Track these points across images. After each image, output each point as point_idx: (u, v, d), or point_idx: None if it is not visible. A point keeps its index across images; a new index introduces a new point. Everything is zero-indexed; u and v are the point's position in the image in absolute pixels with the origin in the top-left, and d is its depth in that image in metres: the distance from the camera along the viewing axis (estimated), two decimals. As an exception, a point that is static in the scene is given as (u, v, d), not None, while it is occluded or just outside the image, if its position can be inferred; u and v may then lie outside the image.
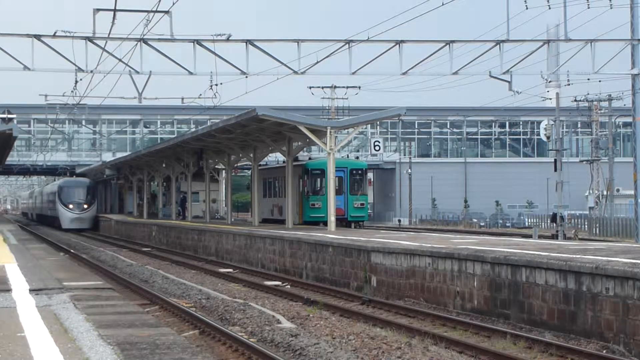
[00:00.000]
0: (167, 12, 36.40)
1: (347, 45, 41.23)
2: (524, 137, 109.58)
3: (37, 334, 13.80)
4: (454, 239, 31.46)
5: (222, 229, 46.04)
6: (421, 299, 24.78)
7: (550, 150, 71.58)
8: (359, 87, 79.59)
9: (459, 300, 23.10)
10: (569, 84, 57.28)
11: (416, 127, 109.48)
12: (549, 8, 48.06)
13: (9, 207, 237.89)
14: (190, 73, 40.67)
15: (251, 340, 18.18)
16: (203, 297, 25.80)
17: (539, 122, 71.11)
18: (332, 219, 38.81)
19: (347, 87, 79.92)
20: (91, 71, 40.54)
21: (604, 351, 17.29)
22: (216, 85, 44.27)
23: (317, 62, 41.28)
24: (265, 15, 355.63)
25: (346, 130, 42.21)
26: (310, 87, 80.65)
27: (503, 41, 41.99)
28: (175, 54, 40.47)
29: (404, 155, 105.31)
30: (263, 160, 53.73)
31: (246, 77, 41.23)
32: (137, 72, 40.93)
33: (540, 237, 47.75)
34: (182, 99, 54.67)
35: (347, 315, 23.19)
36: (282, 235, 36.48)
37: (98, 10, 37.03)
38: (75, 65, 39.85)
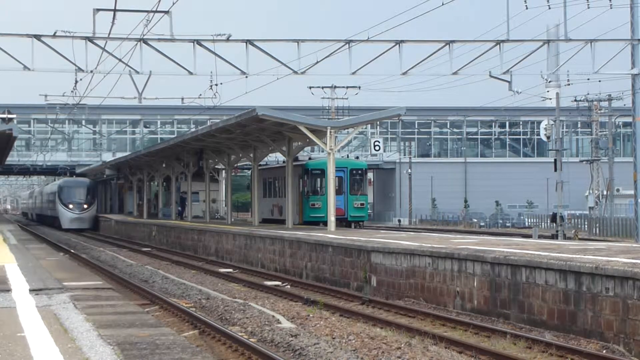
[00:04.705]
0: (167, 12, 36.40)
1: (347, 45, 41.23)
2: (524, 137, 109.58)
3: (37, 334, 13.80)
4: (454, 239, 31.45)
5: (222, 229, 46.03)
6: (421, 299, 24.78)
7: (550, 150, 71.55)
8: (359, 87, 79.62)
9: (459, 300, 23.10)
10: (569, 84, 57.36)
11: (416, 127, 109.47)
12: (549, 8, 48.09)
13: (8, 207, 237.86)
14: (190, 73, 40.67)
15: (251, 340, 18.18)
16: (203, 297, 25.80)
17: (539, 122, 71.06)
18: (332, 219, 38.81)
19: (347, 87, 79.95)
20: (91, 71, 40.55)
21: (604, 351, 17.29)
22: (216, 85, 44.37)
23: (317, 62, 41.32)
24: (265, 15, 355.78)
25: (346, 130, 42.20)
26: (310, 87, 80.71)
27: (503, 41, 41.99)
28: (175, 54, 40.52)
29: (404, 155, 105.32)
30: (263, 160, 53.72)
31: (246, 77, 41.24)
32: (137, 72, 40.94)
33: (540, 237, 47.75)
34: (182, 99, 54.67)
35: (347, 315, 23.19)
36: (282, 235, 36.48)
37: (98, 10, 37.03)
38: (75, 65, 39.86)
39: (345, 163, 48.01)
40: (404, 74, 42.44)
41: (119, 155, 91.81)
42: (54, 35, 38.68)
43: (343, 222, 45.59)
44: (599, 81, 64.51)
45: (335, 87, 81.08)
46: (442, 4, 37.32)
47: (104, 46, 39.29)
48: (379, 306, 25.01)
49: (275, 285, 31.07)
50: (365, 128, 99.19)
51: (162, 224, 59.75)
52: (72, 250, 48.99)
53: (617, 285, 17.71)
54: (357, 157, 59.05)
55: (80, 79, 43.16)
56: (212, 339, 19.07)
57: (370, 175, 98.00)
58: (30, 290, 19.64)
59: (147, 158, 67.03)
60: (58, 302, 17.72)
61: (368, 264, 28.17)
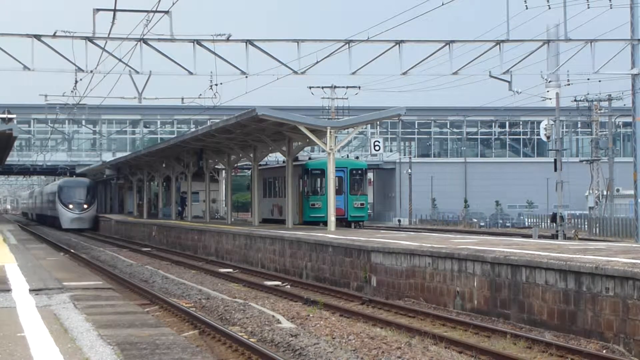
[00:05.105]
0: (167, 12, 36.38)
1: (347, 45, 41.21)
2: (524, 137, 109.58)
3: (37, 334, 13.80)
4: (454, 239, 31.46)
5: (222, 229, 46.04)
6: (421, 299, 24.78)
7: (550, 150, 71.55)
8: (359, 87, 79.56)
9: (459, 300, 23.10)
10: (569, 84, 57.26)
11: (416, 127, 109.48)
12: (549, 8, 48.10)
13: (8, 207, 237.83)
14: (190, 73, 40.65)
15: (251, 340, 18.18)
16: (203, 297, 25.80)
17: (539, 122, 71.07)
18: (332, 219, 38.81)
19: (347, 87, 79.88)
20: (91, 71, 40.53)
21: (604, 351, 17.29)
22: (216, 85, 44.33)
23: (317, 62, 41.29)
24: (265, 15, 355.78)
25: (346, 130, 42.21)
26: (310, 87, 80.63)
27: (503, 41, 41.98)
28: (175, 54, 40.51)
29: (404, 155, 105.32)
30: (263, 160, 53.72)
31: (246, 77, 41.21)
32: (137, 72, 40.92)
33: (540, 237, 47.74)
34: (182, 99, 54.64)
35: (347, 315, 23.19)
36: (282, 235, 36.48)
37: (98, 10, 37.01)
38: (75, 65, 39.84)
39: (345, 163, 48.01)
40: (404, 74, 42.41)
41: (119, 155, 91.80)
42: (54, 35, 38.66)
43: (343, 222, 45.59)
44: (599, 81, 64.49)
45: (335, 87, 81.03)
46: (442, 4, 37.33)
47: (104, 46, 39.30)
48: (379, 306, 25.01)
49: (275, 285, 31.08)
50: (365, 128, 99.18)
51: (162, 224, 59.75)
52: (72, 250, 48.99)
53: (617, 285, 17.71)
54: (357, 157, 59.06)
55: (80, 79, 43.16)
56: (212, 339, 19.07)
57: (370, 175, 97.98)
58: (30, 290, 19.64)
59: (147, 158, 67.03)
60: (58, 302, 17.72)
61: (368, 264, 28.17)
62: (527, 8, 48.02)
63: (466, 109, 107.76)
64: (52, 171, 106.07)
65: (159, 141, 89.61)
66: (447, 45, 41.79)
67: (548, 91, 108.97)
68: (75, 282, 22.56)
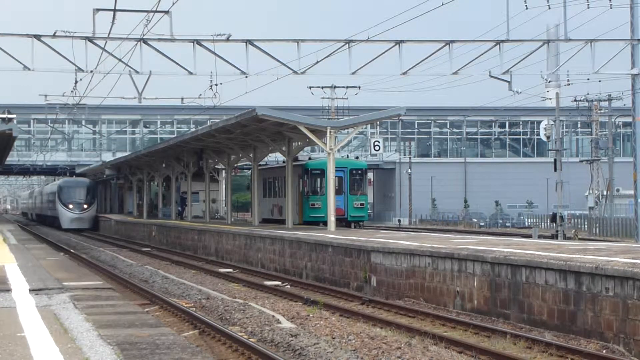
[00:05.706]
0: (167, 12, 36.38)
1: (347, 45, 41.22)
2: (524, 137, 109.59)
3: (37, 334, 13.80)
4: (454, 239, 31.45)
5: (222, 229, 46.03)
6: (421, 299, 24.78)
7: (550, 150, 71.57)
8: (359, 87, 79.56)
9: (459, 300, 23.11)
10: (569, 84, 57.33)
11: (416, 127, 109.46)
12: (549, 8, 48.15)
13: (8, 207, 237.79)
14: (190, 73, 40.66)
15: (251, 340, 18.18)
16: (203, 297, 25.80)
17: (539, 122, 71.03)
18: (332, 219, 38.80)
19: (347, 87, 79.88)
20: (91, 71, 40.53)
21: (604, 351, 17.29)
22: (216, 85, 44.34)
23: (317, 62, 41.31)
24: (265, 15, 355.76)
25: (346, 130, 42.20)
26: (310, 87, 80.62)
27: (503, 41, 41.99)
28: (175, 54, 40.51)
29: (404, 155, 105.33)
30: (263, 160, 53.72)
31: (246, 77, 41.22)
32: (137, 72, 40.92)
33: (540, 237, 47.74)
34: (182, 99, 54.61)
35: (347, 315, 23.19)
36: (282, 235, 36.48)
37: (98, 10, 37.01)
38: (75, 65, 39.85)
39: (345, 163, 48.00)
40: (404, 74, 42.41)
41: (119, 155, 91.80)
42: (54, 35, 38.66)
43: (343, 222, 45.58)
44: (599, 81, 64.58)
45: (335, 87, 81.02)
46: (442, 4, 37.34)
47: (104, 46, 39.31)
48: (379, 306, 25.01)
49: (275, 285, 31.08)
50: (365, 128, 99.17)
51: (162, 224, 59.75)
52: (72, 250, 48.99)
53: (617, 285, 17.71)
54: (357, 157, 59.03)
55: (80, 79, 43.18)
56: (212, 339, 19.07)
57: (370, 175, 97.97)
58: (30, 290, 19.64)
59: (147, 158, 67.02)
60: (58, 302, 17.72)
61: (368, 264, 28.17)
62: (527, 8, 48.07)
63: (466, 109, 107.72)
64: (52, 171, 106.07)
65: (159, 141, 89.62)
66: (447, 45, 41.79)
67: (548, 91, 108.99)
68: (75, 282, 22.57)
